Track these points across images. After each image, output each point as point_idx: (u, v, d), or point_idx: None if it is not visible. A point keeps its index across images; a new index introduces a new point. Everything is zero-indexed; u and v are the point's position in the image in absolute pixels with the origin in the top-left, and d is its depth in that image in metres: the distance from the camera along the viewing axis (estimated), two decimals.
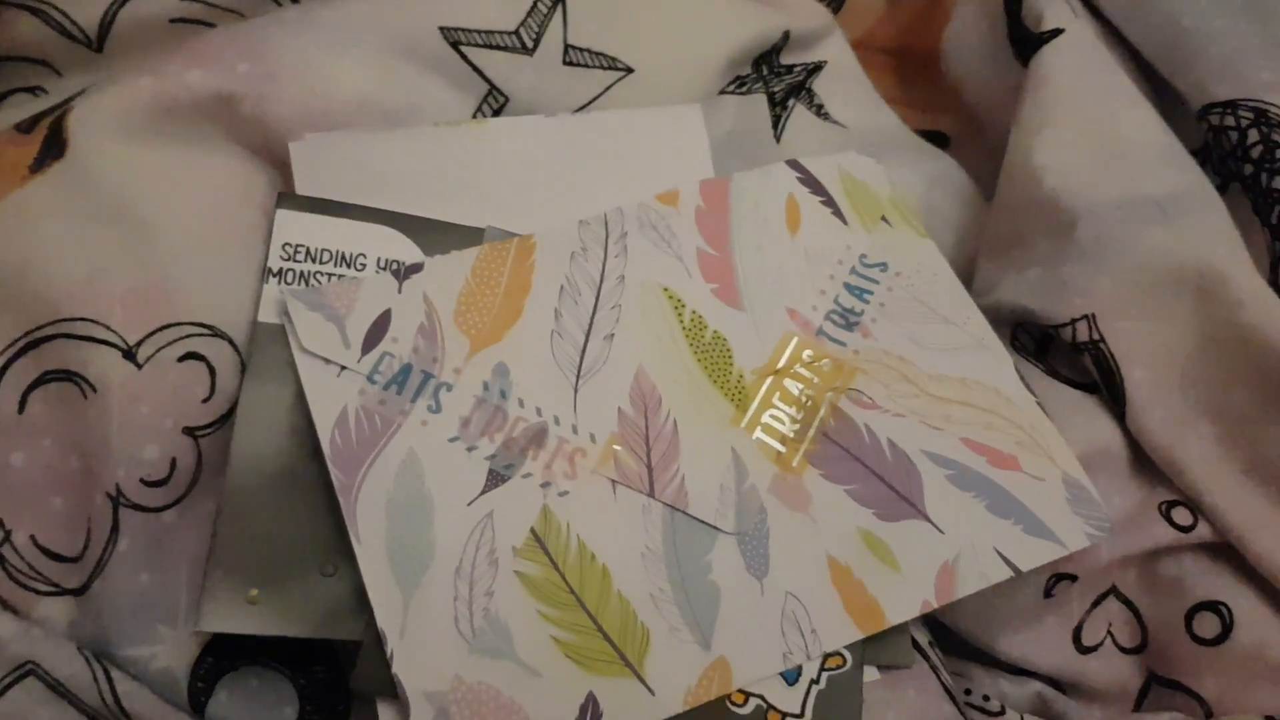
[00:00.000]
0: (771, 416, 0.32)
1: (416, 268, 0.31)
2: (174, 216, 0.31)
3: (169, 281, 0.30)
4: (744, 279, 0.33)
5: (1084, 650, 0.33)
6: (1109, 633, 0.33)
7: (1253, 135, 0.35)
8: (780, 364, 0.32)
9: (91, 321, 0.29)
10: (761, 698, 0.28)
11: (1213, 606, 0.32)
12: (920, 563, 0.30)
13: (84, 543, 0.29)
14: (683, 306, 0.32)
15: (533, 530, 0.29)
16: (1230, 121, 0.35)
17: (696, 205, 0.34)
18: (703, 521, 0.30)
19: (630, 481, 0.30)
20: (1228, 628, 0.32)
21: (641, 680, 0.28)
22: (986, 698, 0.31)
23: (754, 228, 0.34)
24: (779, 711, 0.28)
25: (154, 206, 0.31)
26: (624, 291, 0.32)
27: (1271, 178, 0.34)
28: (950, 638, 0.33)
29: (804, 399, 0.32)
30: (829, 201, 0.36)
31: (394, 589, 0.27)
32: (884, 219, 0.36)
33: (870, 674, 0.30)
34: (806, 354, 0.33)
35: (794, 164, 0.36)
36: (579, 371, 0.31)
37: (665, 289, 0.33)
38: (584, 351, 0.31)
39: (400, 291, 0.31)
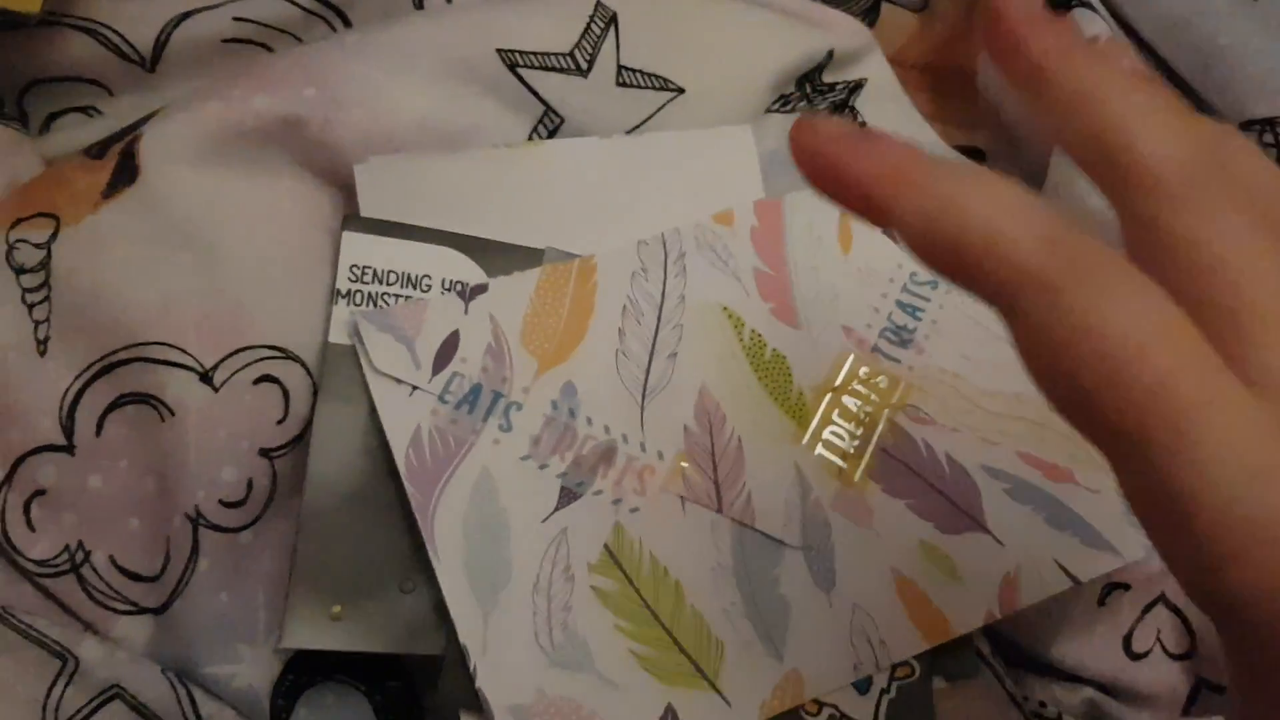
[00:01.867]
0: (832, 433, 0.32)
1: (481, 288, 0.32)
2: (244, 241, 0.31)
3: (241, 305, 0.30)
4: (800, 298, 0.34)
5: (1134, 657, 0.34)
6: (1158, 639, 0.34)
7: None
8: (838, 381, 0.33)
9: (168, 345, 0.30)
10: (835, 707, 0.29)
11: None
12: (982, 574, 0.31)
13: (163, 563, 0.29)
14: (742, 325, 0.33)
15: (606, 546, 0.29)
16: (1269, 139, 0.36)
17: (751, 225, 0.35)
18: (770, 536, 0.30)
19: (698, 498, 0.30)
20: None
21: (718, 692, 0.28)
22: (1043, 704, 0.32)
23: (808, 247, 0.35)
24: None
25: (224, 231, 0.31)
26: (685, 311, 0.33)
27: None
28: (1002, 644, 0.34)
29: (862, 415, 0.33)
30: None
31: (474, 605, 0.28)
32: None
33: (936, 683, 0.30)
34: (863, 371, 0.33)
35: None
36: (644, 390, 0.31)
37: (725, 308, 0.33)
38: (648, 370, 0.32)
39: (467, 312, 0.31)
